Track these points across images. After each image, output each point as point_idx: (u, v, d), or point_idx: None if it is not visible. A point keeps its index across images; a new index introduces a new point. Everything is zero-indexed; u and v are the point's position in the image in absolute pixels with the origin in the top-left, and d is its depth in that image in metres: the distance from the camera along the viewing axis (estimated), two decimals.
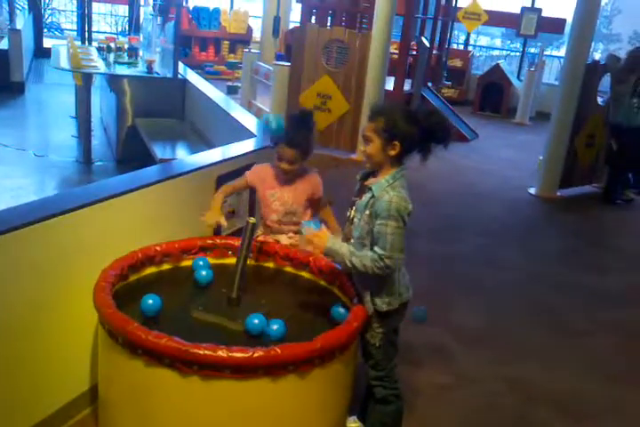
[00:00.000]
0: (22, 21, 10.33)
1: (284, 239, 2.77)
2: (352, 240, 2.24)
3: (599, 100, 6.84)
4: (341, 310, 2.26)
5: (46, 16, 15.62)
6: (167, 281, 2.49)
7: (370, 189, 2.18)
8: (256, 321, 2.12)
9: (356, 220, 2.23)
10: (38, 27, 11.98)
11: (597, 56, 17.37)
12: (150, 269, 2.51)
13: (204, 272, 2.46)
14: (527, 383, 3.18)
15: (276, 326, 2.10)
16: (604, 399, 3.14)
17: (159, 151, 4.84)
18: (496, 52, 18.71)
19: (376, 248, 2.11)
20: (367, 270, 2.12)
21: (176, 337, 1.92)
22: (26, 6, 12.53)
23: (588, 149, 6.88)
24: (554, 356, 3.49)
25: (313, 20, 9.50)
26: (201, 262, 2.54)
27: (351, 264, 2.14)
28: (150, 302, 2.18)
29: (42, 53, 10.79)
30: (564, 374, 3.30)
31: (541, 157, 6.79)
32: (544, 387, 3.16)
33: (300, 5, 10.00)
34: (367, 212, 2.16)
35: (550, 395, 3.10)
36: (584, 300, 4.28)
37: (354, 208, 2.27)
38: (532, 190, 6.78)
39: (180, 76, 6.00)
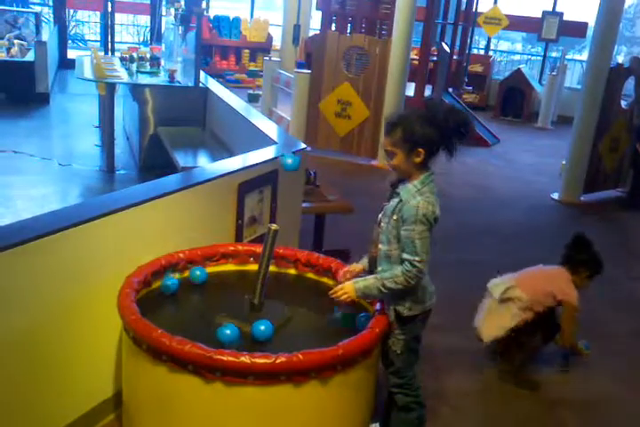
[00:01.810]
0: (48, 33, 10.52)
1: None
2: (380, 245, 2.23)
3: (623, 103, 6.77)
4: (228, 331, 2.10)
5: (71, 28, 15.88)
6: (190, 287, 2.50)
7: (398, 193, 2.18)
8: (262, 327, 2.12)
9: (383, 224, 2.23)
10: (63, 38, 12.17)
11: (620, 59, 17.17)
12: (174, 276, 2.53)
13: (198, 272, 2.50)
14: (554, 390, 3.14)
15: (263, 327, 2.11)
16: (633, 405, 3.09)
17: (181, 159, 4.88)
18: (517, 57, 18.57)
19: (405, 255, 2.12)
20: (403, 286, 2.13)
21: (199, 343, 1.93)
22: (51, 19, 12.75)
23: (612, 153, 6.81)
24: (580, 361, 3.44)
25: (333, 28, 9.54)
26: (198, 272, 2.54)
27: (387, 290, 2.15)
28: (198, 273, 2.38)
29: (66, 64, 10.95)
30: (592, 380, 3.27)
31: (564, 162, 6.73)
32: (571, 393, 3.13)
33: (319, 13, 10.06)
34: (395, 217, 2.16)
35: (578, 401, 3.07)
36: (610, 305, 4.22)
37: (382, 212, 2.26)
38: (555, 195, 6.71)
39: (201, 84, 6.05)
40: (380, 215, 2.27)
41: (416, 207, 2.10)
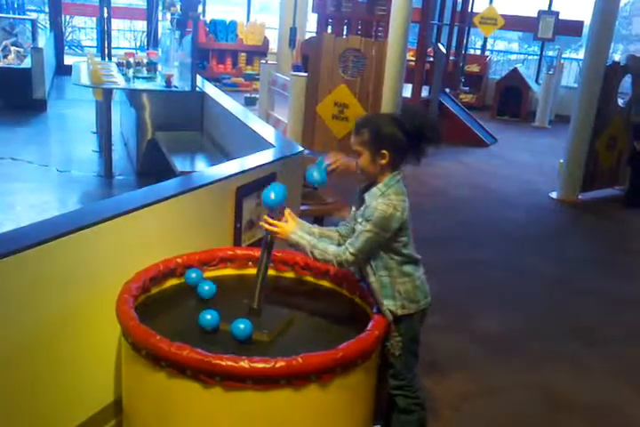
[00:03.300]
0: (44, 40, 10.53)
1: None
2: None
3: (620, 101, 6.77)
4: (315, 172, 2.27)
5: (67, 34, 15.91)
6: (189, 293, 2.50)
7: (364, 199, 2.20)
8: (242, 326, 2.13)
9: (354, 227, 2.25)
10: (60, 45, 12.19)
11: (617, 57, 17.19)
12: (172, 282, 2.53)
13: (206, 287, 2.45)
14: (554, 392, 3.13)
15: (242, 326, 2.12)
16: (634, 409, 3.09)
17: (179, 164, 4.89)
18: (514, 57, 18.60)
19: (348, 242, 2.18)
20: (328, 263, 2.20)
21: (198, 348, 1.93)
22: (47, 25, 12.77)
23: (610, 152, 6.81)
24: (581, 364, 3.44)
25: (329, 30, 9.55)
26: (194, 275, 2.53)
27: (312, 256, 2.21)
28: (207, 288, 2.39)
29: (63, 70, 10.97)
30: (592, 383, 3.25)
31: (562, 161, 6.73)
32: (572, 396, 3.12)
33: (315, 15, 10.06)
34: (359, 220, 2.19)
35: (578, 404, 3.06)
36: (610, 306, 4.22)
37: (351, 217, 2.30)
38: (554, 194, 6.72)
39: (198, 89, 6.06)
40: (351, 222, 2.30)
41: (374, 209, 2.12)
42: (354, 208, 2.32)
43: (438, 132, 2.15)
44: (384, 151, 2.13)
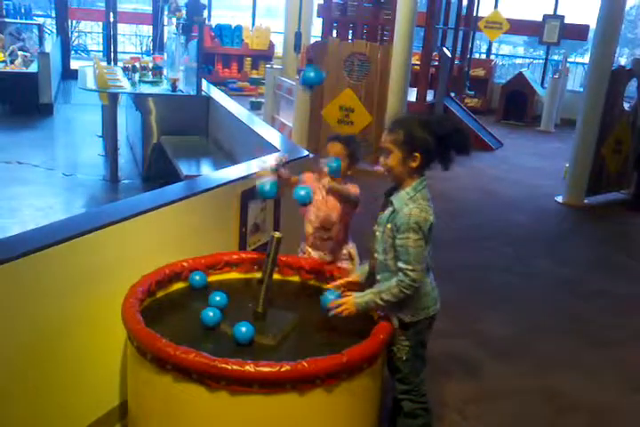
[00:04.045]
0: (51, 44, 10.58)
1: (319, 257, 2.85)
2: (376, 255, 2.25)
3: (626, 105, 6.76)
4: (330, 296, 2.24)
5: (73, 38, 15.98)
6: (194, 296, 2.50)
7: (391, 202, 2.18)
8: (243, 329, 2.14)
9: (378, 233, 2.24)
10: (66, 49, 12.23)
11: (623, 61, 17.16)
12: (178, 285, 2.53)
13: (211, 314, 2.34)
14: (558, 395, 3.13)
15: (244, 329, 2.12)
16: (637, 411, 3.08)
17: (184, 168, 4.90)
18: (519, 61, 18.58)
19: (400, 264, 2.13)
20: (401, 296, 2.14)
21: (204, 352, 1.93)
22: (54, 30, 12.83)
23: (616, 156, 6.80)
24: (585, 366, 3.43)
25: (334, 34, 9.57)
26: (197, 277, 2.53)
27: (385, 302, 2.16)
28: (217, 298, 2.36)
29: (69, 75, 11.01)
30: (597, 386, 3.24)
31: (568, 165, 6.72)
32: (576, 399, 3.11)
33: (321, 20, 10.08)
34: (389, 225, 2.17)
35: (583, 407, 3.05)
36: (614, 308, 4.21)
37: (377, 222, 2.27)
38: (559, 198, 6.70)
39: (203, 93, 6.07)
40: (374, 226, 2.28)
41: (408, 215, 2.10)
42: (378, 212, 2.28)
43: (468, 142, 2.15)
44: (417, 154, 2.12)
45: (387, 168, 2.19)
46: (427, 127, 2.12)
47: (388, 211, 2.19)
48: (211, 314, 2.21)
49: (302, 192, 2.39)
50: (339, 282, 2.42)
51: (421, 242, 2.11)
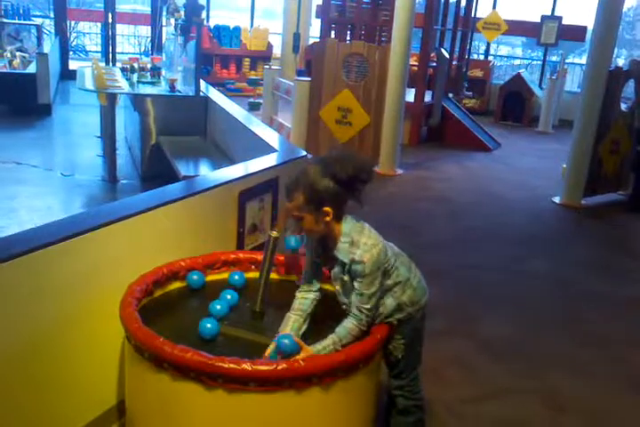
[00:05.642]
0: (49, 45, 10.59)
1: None
2: (341, 299, 2.20)
3: (623, 106, 6.78)
4: (286, 341, 2.01)
5: (72, 39, 15.99)
6: (192, 296, 2.51)
7: (336, 258, 2.11)
8: (208, 325, 2.14)
9: (338, 287, 2.18)
10: (64, 50, 12.25)
11: (621, 62, 17.20)
12: (175, 285, 2.54)
13: (229, 296, 2.43)
14: (555, 396, 3.14)
15: (286, 340, 2.03)
16: (636, 413, 3.08)
17: (182, 168, 4.91)
18: (517, 62, 18.62)
19: (358, 304, 2.08)
20: (360, 334, 2.10)
21: (201, 351, 1.94)
22: (53, 30, 12.84)
23: (613, 156, 6.81)
24: (582, 367, 3.44)
25: (332, 35, 9.59)
26: (195, 277, 2.53)
27: (344, 346, 2.07)
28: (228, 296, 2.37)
29: (68, 75, 11.02)
30: (594, 387, 3.25)
31: (565, 166, 6.73)
32: (572, 399, 3.12)
33: (319, 21, 10.10)
34: (345, 277, 2.11)
35: (579, 408, 3.05)
36: (612, 309, 4.22)
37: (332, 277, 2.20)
38: (557, 199, 6.72)
39: (201, 93, 6.08)
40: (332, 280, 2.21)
41: (362, 263, 2.03)
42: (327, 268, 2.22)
43: (371, 171, 2.06)
44: (326, 209, 2.03)
45: (306, 232, 2.14)
46: (325, 176, 2.00)
47: (338, 267, 2.13)
48: (208, 325, 2.15)
49: (292, 242, 2.62)
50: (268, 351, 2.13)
51: (377, 281, 2.07)
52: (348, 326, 2.10)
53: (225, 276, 2.65)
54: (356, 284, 2.08)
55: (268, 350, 2.05)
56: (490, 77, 12.76)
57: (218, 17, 15.51)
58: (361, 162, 2.06)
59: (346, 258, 2.07)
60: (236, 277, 2.57)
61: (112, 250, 2.41)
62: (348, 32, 9.76)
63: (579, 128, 6.52)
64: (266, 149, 3.93)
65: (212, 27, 13.55)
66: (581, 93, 6.67)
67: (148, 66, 6.85)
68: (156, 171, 5.80)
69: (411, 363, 2.32)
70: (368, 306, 2.08)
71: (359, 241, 2.06)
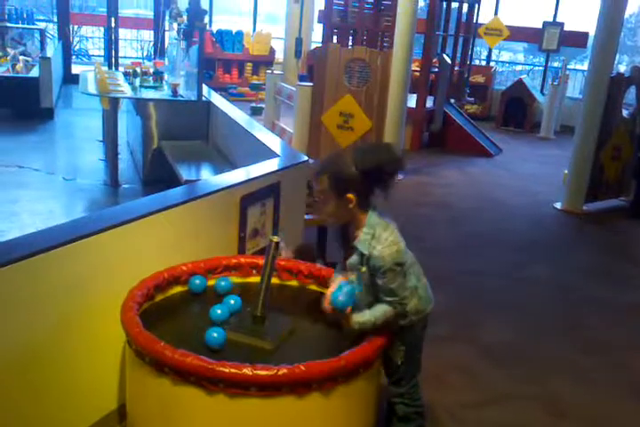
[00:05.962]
0: (52, 49, 10.63)
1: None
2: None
3: (624, 112, 6.79)
4: (215, 334, 2.08)
5: (75, 43, 16.04)
6: (193, 300, 2.52)
7: (355, 248, 2.14)
8: (215, 334, 2.13)
9: (352, 277, 2.21)
10: (67, 54, 12.28)
11: (622, 68, 17.21)
12: (176, 289, 2.54)
13: (232, 301, 2.43)
14: (555, 402, 3.13)
15: (215, 334, 2.10)
16: (637, 419, 3.08)
17: (184, 173, 4.92)
18: (519, 68, 18.65)
19: (387, 298, 2.13)
20: (392, 318, 2.16)
21: (201, 355, 1.94)
22: (56, 34, 12.89)
23: (614, 163, 6.82)
24: (583, 373, 3.43)
25: (334, 40, 9.61)
26: (197, 281, 2.54)
27: (377, 327, 2.14)
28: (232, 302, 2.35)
29: (71, 80, 11.05)
30: (594, 393, 3.24)
31: (566, 171, 6.74)
32: (573, 406, 3.11)
33: (321, 26, 10.13)
34: (363, 268, 2.14)
35: (579, 414, 3.04)
36: (614, 316, 4.21)
37: (348, 268, 2.23)
38: (558, 205, 6.71)
39: (204, 98, 6.10)
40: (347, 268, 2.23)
41: (382, 258, 2.06)
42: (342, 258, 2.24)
43: (398, 165, 2.09)
44: (349, 195, 2.07)
45: (329, 216, 2.17)
46: (351, 165, 2.05)
47: (355, 258, 2.15)
48: (215, 335, 2.13)
49: (340, 298, 2.13)
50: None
51: (400, 274, 2.11)
52: (385, 308, 2.14)
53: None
54: (379, 281, 2.10)
55: (332, 288, 2.16)
56: (491, 83, 12.78)
57: (220, 22, 15.57)
58: (391, 154, 2.08)
59: (365, 250, 2.10)
60: (197, 281, 2.52)
61: (113, 254, 2.41)
62: (350, 37, 9.77)
63: (580, 134, 6.52)
64: (267, 153, 3.94)
65: (214, 31, 13.59)
66: (583, 99, 6.67)
67: (151, 70, 6.87)
68: (158, 175, 5.80)
69: (410, 370, 2.32)
70: (397, 298, 2.12)
71: (381, 236, 2.09)
